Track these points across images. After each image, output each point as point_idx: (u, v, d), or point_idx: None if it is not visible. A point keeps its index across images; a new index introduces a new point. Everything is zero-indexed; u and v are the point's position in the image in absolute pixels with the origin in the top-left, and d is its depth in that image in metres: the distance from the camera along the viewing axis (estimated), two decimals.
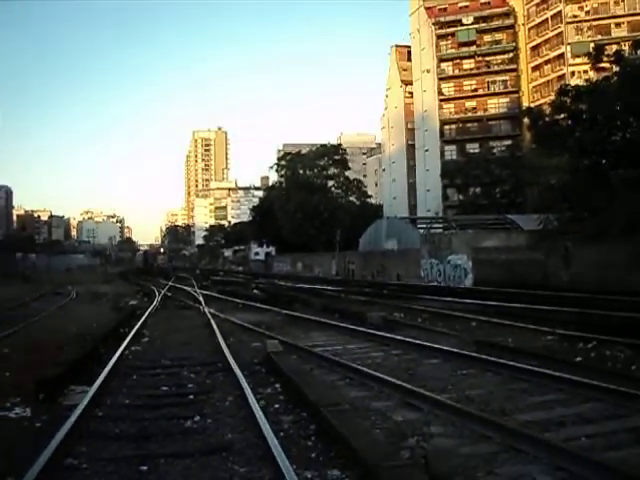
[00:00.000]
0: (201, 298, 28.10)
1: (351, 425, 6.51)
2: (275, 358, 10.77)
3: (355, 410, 7.85)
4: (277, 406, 8.48)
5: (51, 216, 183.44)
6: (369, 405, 8.35)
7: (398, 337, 13.93)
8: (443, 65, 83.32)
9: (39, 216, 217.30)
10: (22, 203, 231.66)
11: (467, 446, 6.51)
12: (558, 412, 7.73)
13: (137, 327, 17.49)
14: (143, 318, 20.18)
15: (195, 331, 17.57)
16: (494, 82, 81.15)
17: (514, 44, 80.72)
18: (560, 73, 73.21)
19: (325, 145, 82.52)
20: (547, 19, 76.69)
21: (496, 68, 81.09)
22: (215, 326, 16.80)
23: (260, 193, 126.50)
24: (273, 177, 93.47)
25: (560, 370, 9.40)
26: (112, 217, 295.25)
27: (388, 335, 14.33)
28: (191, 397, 9.25)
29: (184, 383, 10.32)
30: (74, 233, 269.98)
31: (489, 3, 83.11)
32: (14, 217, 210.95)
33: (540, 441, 6.29)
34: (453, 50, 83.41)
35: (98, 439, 7.18)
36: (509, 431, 6.66)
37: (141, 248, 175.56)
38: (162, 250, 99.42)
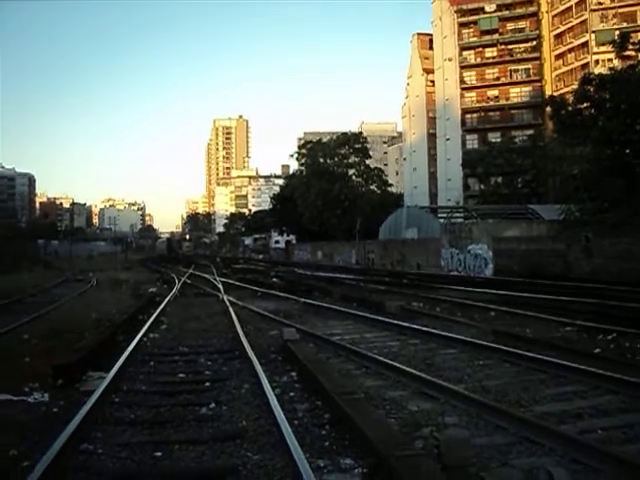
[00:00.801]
0: (220, 286, 28.14)
1: (365, 414, 6.49)
2: (292, 346, 10.77)
3: (370, 399, 7.87)
4: (292, 394, 8.48)
5: (73, 203, 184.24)
6: (384, 394, 8.33)
7: (416, 326, 13.89)
8: (465, 53, 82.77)
9: (61, 203, 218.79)
10: (45, 190, 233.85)
11: (482, 437, 6.48)
12: (575, 404, 7.67)
13: (156, 314, 17.55)
14: (162, 305, 20.25)
15: (213, 319, 17.62)
16: (517, 70, 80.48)
17: (537, 32, 79.86)
18: (584, 61, 72.29)
19: (346, 133, 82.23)
20: (571, 6, 75.70)
21: (519, 56, 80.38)
22: (233, 314, 16.81)
23: (281, 181, 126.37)
24: (294, 165, 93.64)
25: (578, 362, 9.32)
26: (133, 205, 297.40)
27: (406, 324, 14.28)
28: (207, 384, 9.28)
29: (201, 370, 10.35)
30: (96, 220, 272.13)
31: None
32: (37, 204, 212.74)
33: (555, 433, 6.24)
34: (475, 38, 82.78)
35: (114, 425, 7.23)
36: (525, 422, 6.63)
37: (162, 236, 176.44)
38: (187, 237, 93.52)
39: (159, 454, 6.25)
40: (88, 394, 7.99)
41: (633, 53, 35.61)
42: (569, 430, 6.48)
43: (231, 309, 18.14)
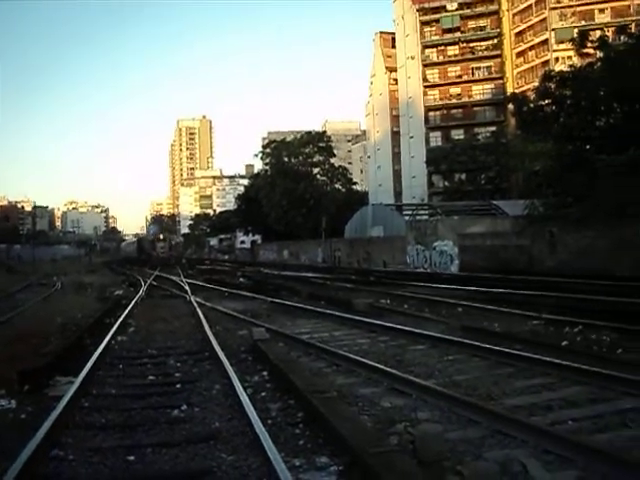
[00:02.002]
0: (187, 287, 27.96)
1: (338, 412, 6.50)
2: (262, 346, 10.74)
3: (342, 397, 7.87)
4: (264, 394, 8.45)
5: (35, 207, 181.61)
6: (356, 392, 8.33)
7: (385, 324, 13.94)
8: (427, 51, 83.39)
9: (23, 207, 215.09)
10: (5, 194, 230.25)
11: (455, 431, 6.52)
12: (545, 396, 7.76)
13: (123, 317, 17.35)
14: (129, 308, 20.03)
15: (181, 320, 17.48)
16: (478, 68, 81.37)
17: (498, 30, 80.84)
18: (544, 59, 73.33)
19: (310, 132, 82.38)
20: (531, 5, 76.78)
21: (480, 54, 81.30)
22: (201, 315, 16.71)
23: (245, 181, 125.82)
24: (258, 165, 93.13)
25: (546, 354, 9.45)
26: (97, 207, 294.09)
27: (375, 322, 14.31)
28: (178, 386, 9.19)
29: (171, 372, 10.26)
30: (58, 224, 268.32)
31: None
32: None
33: (527, 425, 6.31)
34: (437, 36, 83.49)
35: (84, 430, 7.13)
36: (496, 416, 6.68)
37: (126, 238, 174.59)
38: (162, 236, 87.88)
39: (132, 458, 6.17)
40: (57, 399, 7.87)
41: (592, 51, 36.11)
42: (540, 422, 6.55)
43: (199, 310, 18.02)
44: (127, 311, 19.02)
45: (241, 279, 34.23)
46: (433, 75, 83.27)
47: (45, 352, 10.87)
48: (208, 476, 5.62)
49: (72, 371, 9.71)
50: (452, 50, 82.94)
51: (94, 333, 14.29)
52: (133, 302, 22.17)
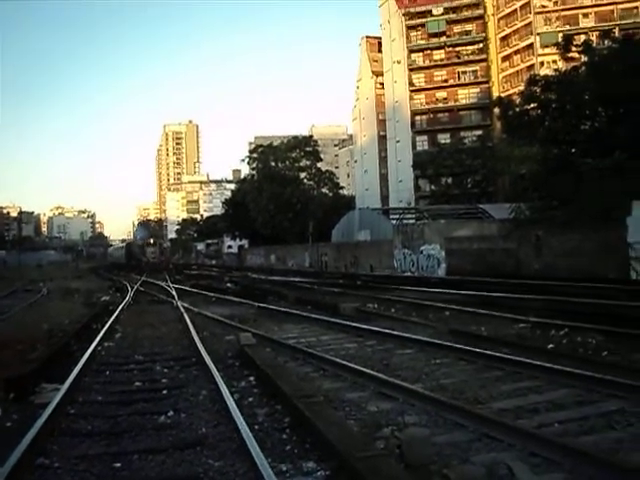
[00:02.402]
0: (174, 292, 27.92)
1: (325, 417, 6.49)
2: (249, 351, 10.72)
3: (329, 401, 7.87)
4: (251, 399, 8.43)
5: (20, 212, 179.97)
6: (343, 396, 8.33)
7: (372, 328, 13.96)
8: (414, 56, 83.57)
9: (8, 212, 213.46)
10: None
11: (442, 435, 6.53)
12: (531, 399, 7.80)
13: (109, 323, 17.28)
14: (115, 314, 19.92)
15: (168, 326, 17.42)
16: (464, 72, 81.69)
17: (484, 34, 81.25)
18: (530, 63, 73.74)
19: (297, 137, 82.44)
20: (516, 9, 77.23)
21: (466, 58, 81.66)
22: (188, 320, 16.67)
23: (232, 186, 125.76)
24: (245, 170, 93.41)
25: (533, 357, 9.50)
26: (83, 212, 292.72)
27: (362, 326, 14.33)
28: (164, 392, 9.14)
29: (157, 378, 10.21)
30: (44, 229, 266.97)
31: None
32: None
33: (513, 428, 6.33)
34: (423, 41, 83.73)
35: (70, 437, 7.08)
36: (483, 419, 6.70)
37: (113, 243, 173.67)
38: (152, 240, 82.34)
39: (118, 465, 6.14)
40: (42, 407, 7.80)
41: (577, 55, 36.42)
42: (526, 425, 6.57)
43: (186, 315, 17.97)
44: (114, 317, 18.93)
45: (228, 284, 34.19)
46: (419, 79, 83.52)
47: (31, 359, 10.81)
48: None
49: (58, 378, 9.63)
50: (438, 54, 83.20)
51: (81, 339, 14.23)
52: (120, 308, 22.06)
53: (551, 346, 11.11)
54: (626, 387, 7.63)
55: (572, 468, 5.40)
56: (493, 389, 8.40)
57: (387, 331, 13.35)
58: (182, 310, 19.94)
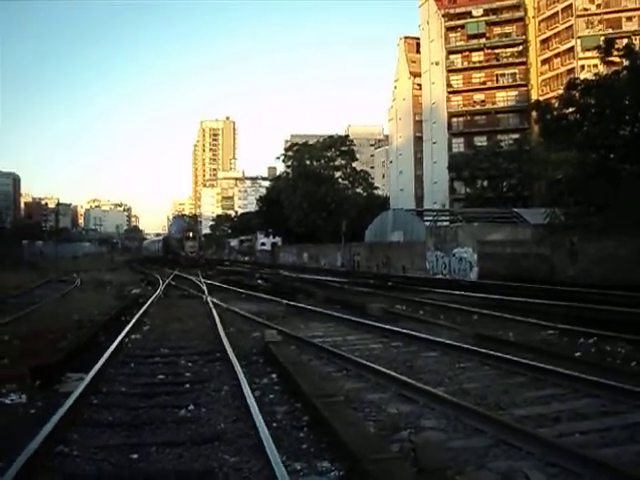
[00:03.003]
0: (205, 287, 28.07)
1: (342, 417, 6.47)
2: (273, 348, 10.74)
3: (350, 402, 7.85)
4: (272, 396, 8.45)
5: (58, 204, 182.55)
6: (364, 397, 8.30)
7: (398, 329, 13.87)
8: (452, 57, 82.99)
9: (46, 204, 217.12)
10: (29, 191, 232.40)
11: (459, 440, 6.46)
12: (554, 407, 7.68)
13: (138, 315, 17.45)
14: (145, 307, 20.13)
15: (196, 320, 17.52)
16: (503, 75, 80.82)
17: (524, 37, 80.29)
18: (570, 67, 72.72)
19: (332, 136, 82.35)
20: (557, 12, 76.13)
21: (505, 61, 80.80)
22: (216, 315, 16.76)
23: (267, 183, 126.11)
24: (280, 168, 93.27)
25: (559, 365, 9.34)
26: (119, 206, 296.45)
27: (388, 327, 14.25)
28: (187, 386, 9.21)
29: (181, 372, 10.30)
30: (81, 221, 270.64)
31: None
32: (21, 204, 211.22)
33: (533, 436, 6.24)
34: (462, 42, 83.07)
35: (91, 426, 7.17)
36: (502, 425, 6.61)
37: (147, 237, 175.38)
38: (191, 234, 75.94)
39: (135, 456, 6.20)
40: (66, 395, 7.90)
41: (617, 59, 35.84)
42: (547, 433, 6.47)
43: (214, 311, 18.06)
44: (143, 310, 19.13)
45: (259, 281, 34.28)
46: (457, 81, 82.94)
47: (58, 348, 10.97)
48: (210, 476, 5.64)
49: (84, 368, 9.75)
50: (477, 56, 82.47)
51: (109, 331, 14.39)
52: (150, 301, 22.28)
53: (578, 354, 10.94)
54: None
55: None
56: (516, 395, 8.29)
57: (413, 333, 13.27)
58: (211, 305, 20.05)
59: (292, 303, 21.03)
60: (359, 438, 5.72)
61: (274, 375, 9.66)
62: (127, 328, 14.60)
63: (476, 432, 6.69)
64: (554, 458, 5.75)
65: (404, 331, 13.58)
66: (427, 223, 49.64)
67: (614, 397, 7.83)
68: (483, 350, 10.86)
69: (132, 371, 10.47)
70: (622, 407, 7.51)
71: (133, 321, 16.09)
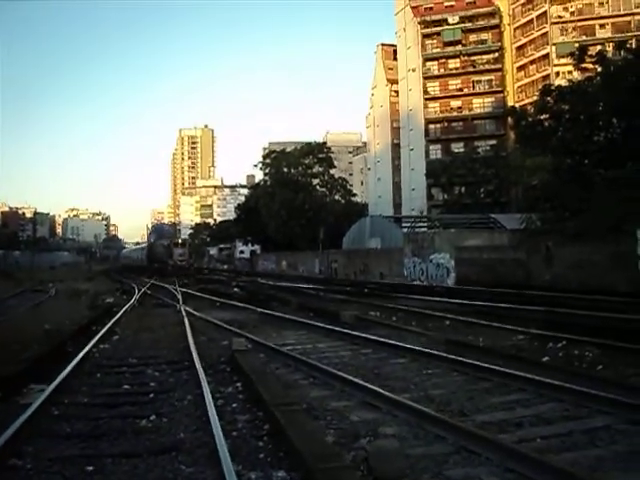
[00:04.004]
0: (179, 296, 27.90)
1: (300, 426, 6.39)
2: (238, 357, 10.64)
3: (312, 410, 7.79)
4: (235, 405, 8.35)
5: (35, 213, 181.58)
6: (328, 405, 8.22)
7: (369, 336, 13.80)
8: (429, 64, 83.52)
9: (23, 213, 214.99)
10: (6, 200, 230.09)
11: (419, 447, 6.40)
12: (517, 413, 7.65)
13: (109, 325, 17.32)
14: (117, 316, 19.96)
15: (167, 329, 17.31)
16: (479, 82, 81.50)
17: (499, 44, 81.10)
18: (545, 73, 73.51)
19: (310, 143, 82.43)
20: (532, 19, 77.03)
21: (481, 67, 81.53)
22: (188, 324, 16.66)
23: (246, 191, 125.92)
24: (259, 175, 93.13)
25: (525, 370, 9.32)
26: (97, 215, 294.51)
27: (360, 334, 14.18)
28: (151, 396, 9.08)
29: (146, 382, 10.16)
30: (59, 230, 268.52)
31: (475, 2, 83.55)
32: None
33: (492, 442, 6.19)
34: (439, 49, 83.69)
35: (47, 438, 7.03)
36: (463, 432, 6.57)
37: (127, 246, 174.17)
38: (180, 240, 73.18)
39: (90, 468, 6.08)
40: (27, 407, 7.76)
41: (591, 65, 36.14)
42: (507, 439, 6.44)
43: (186, 320, 17.95)
44: (115, 319, 18.99)
45: (235, 289, 34.09)
46: (434, 88, 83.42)
47: (22, 359, 10.78)
48: None
49: (49, 379, 9.60)
50: (453, 63, 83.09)
51: (78, 340, 14.22)
52: (123, 310, 22.10)
53: (546, 359, 10.95)
54: (614, 403, 7.47)
55: None
56: (480, 401, 8.26)
57: (383, 340, 13.20)
58: (184, 314, 19.88)
59: (266, 311, 20.89)
60: (314, 447, 5.65)
61: (239, 384, 9.55)
62: (96, 338, 14.47)
63: (437, 439, 6.64)
64: (512, 464, 5.70)
65: (375, 338, 13.51)
66: (405, 230, 49.71)
67: (577, 401, 7.82)
68: (451, 356, 10.82)
69: (97, 381, 10.32)
70: (584, 411, 7.51)
71: (103, 330, 15.97)
